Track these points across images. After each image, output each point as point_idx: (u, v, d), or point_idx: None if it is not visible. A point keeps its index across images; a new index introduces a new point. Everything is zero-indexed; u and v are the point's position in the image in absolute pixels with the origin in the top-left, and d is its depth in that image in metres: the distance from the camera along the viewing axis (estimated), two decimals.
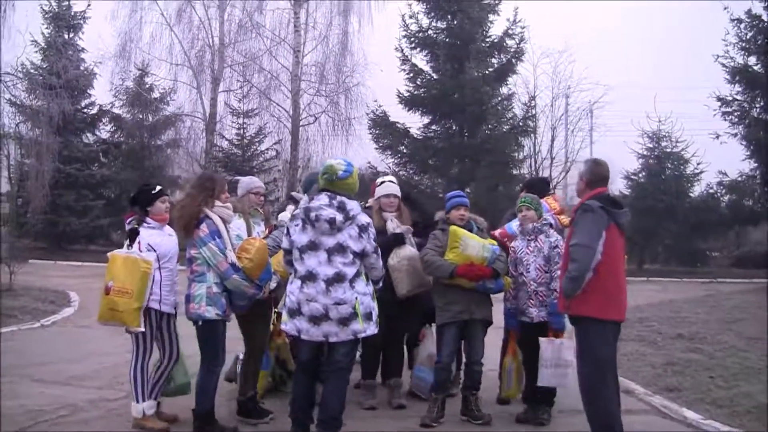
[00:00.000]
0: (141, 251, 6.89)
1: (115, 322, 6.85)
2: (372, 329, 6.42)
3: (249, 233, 7.43)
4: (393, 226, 8.00)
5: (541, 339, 7.48)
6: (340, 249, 6.31)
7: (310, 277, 6.29)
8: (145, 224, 7.10)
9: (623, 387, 8.86)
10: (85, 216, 31.08)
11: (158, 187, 7.42)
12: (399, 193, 8.42)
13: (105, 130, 34.93)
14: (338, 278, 6.25)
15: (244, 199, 7.81)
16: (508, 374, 8.20)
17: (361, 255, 6.38)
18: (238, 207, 7.45)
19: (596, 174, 6.64)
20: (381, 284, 6.85)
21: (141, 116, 34.15)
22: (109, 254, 7.00)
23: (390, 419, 7.64)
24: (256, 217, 7.88)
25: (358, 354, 7.36)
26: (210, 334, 6.84)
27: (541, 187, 9.32)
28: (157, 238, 7.10)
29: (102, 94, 34.40)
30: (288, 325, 6.42)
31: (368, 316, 6.36)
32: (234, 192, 7.96)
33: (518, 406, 7.94)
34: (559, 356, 7.35)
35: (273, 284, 7.28)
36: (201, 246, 6.72)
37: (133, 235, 6.98)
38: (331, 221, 6.27)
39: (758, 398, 8.17)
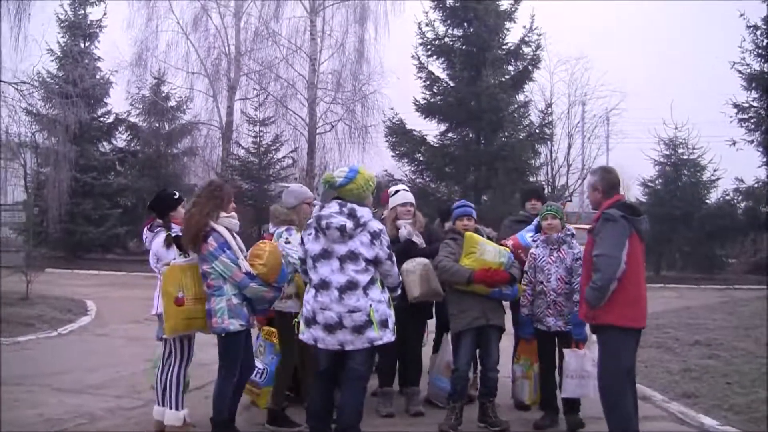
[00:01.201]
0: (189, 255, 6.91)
1: (192, 330, 6.94)
2: (389, 336, 6.36)
3: None
4: (407, 232, 8.02)
5: (566, 351, 7.58)
6: (352, 256, 6.27)
7: (323, 285, 6.28)
8: (174, 227, 7.18)
9: (640, 393, 8.84)
10: (101, 225, 31.13)
11: (178, 194, 7.57)
12: (413, 201, 8.45)
13: (121, 139, 35.05)
14: (351, 286, 6.22)
15: (299, 210, 7.63)
16: (523, 382, 8.32)
17: (374, 262, 6.34)
18: (295, 220, 7.44)
19: (609, 182, 6.67)
20: (399, 291, 6.87)
21: (157, 125, 34.28)
22: (165, 267, 7.01)
23: (407, 426, 7.65)
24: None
25: (376, 361, 7.38)
26: (232, 345, 6.82)
27: (543, 194, 9.43)
28: None
29: (118, 102, 34.59)
30: (305, 334, 6.41)
31: (384, 324, 6.30)
32: (278, 198, 7.81)
33: (536, 413, 7.95)
34: (582, 367, 7.40)
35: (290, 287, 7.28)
36: (212, 261, 6.66)
37: (179, 242, 6.97)
38: (342, 228, 6.24)
39: None
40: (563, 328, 7.63)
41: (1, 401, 8.00)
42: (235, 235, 6.94)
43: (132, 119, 34.62)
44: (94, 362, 10.74)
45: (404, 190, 8.63)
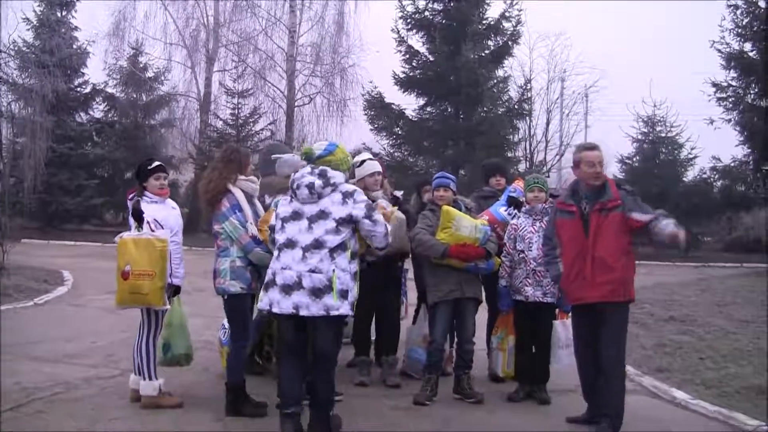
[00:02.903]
0: (153, 230, 6.84)
1: (137, 304, 6.87)
2: (346, 309, 6.04)
3: None
4: (385, 204, 7.98)
5: (555, 322, 7.70)
6: (322, 215, 6.06)
7: (288, 244, 6.07)
8: (146, 198, 7.07)
9: None
10: (78, 195, 31.05)
11: (155, 163, 7.32)
12: (380, 169, 8.27)
13: (98, 110, 34.98)
14: (317, 245, 5.99)
15: (288, 181, 7.35)
16: (497, 353, 8.34)
17: (347, 222, 6.08)
18: (284, 189, 7.18)
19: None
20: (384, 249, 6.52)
21: (135, 96, 34.28)
22: (117, 239, 6.91)
23: (383, 397, 7.67)
24: None
25: (349, 334, 7.37)
26: (235, 308, 6.86)
27: (506, 169, 9.47)
28: (162, 212, 7.08)
29: (95, 73, 34.46)
30: (263, 300, 6.18)
31: (344, 294, 6.00)
32: (271, 168, 7.68)
33: (511, 385, 7.98)
34: (567, 336, 7.51)
35: None
36: (223, 221, 6.72)
37: (138, 215, 6.88)
38: (310, 186, 6.07)
39: (747, 379, 8.24)
40: (541, 299, 7.66)
41: None
42: (255, 200, 7.00)
43: (109, 90, 34.60)
44: (71, 332, 10.71)
45: (369, 159, 8.44)
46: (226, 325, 7.83)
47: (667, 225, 6.27)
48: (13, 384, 7.64)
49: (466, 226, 7.54)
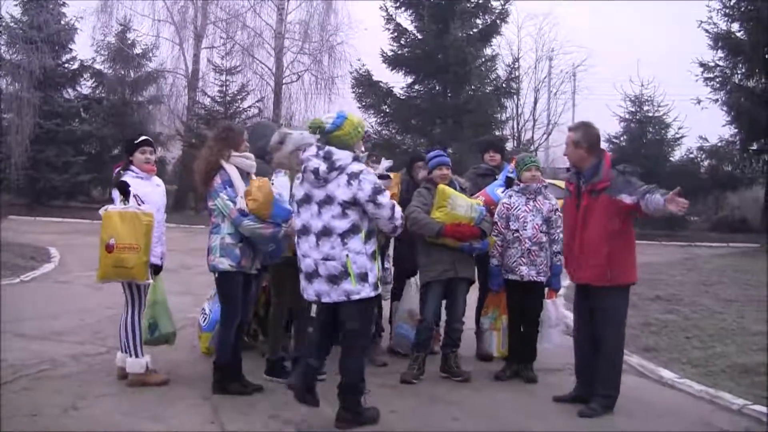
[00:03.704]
0: (139, 204, 6.83)
1: (120, 278, 6.84)
2: (367, 291, 6.01)
3: (291, 194, 7.01)
4: (383, 168, 7.93)
5: (547, 301, 7.75)
6: (328, 200, 5.99)
7: (304, 230, 6.08)
8: (131, 172, 7.04)
9: None
10: (65, 172, 30.81)
11: (142, 137, 7.33)
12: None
13: (86, 86, 34.65)
14: (326, 232, 5.96)
15: (292, 156, 7.07)
16: (491, 333, 8.20)
17: (353, 204, 5.96)
18: (285, 164, 7.04)
19: (596, 137, 6.87)
20: (398, 230, 6.38)
21: (123, 72, 34.10)
22: (102, 212, 6.85)
23: (370, 375, 7.59)
24: None
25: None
26: (225, 286, 6.83)
27: (500, 145, 9.53)
28: (146, 188, 7.06)
29: (83, 49, 34.21)
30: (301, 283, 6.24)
31: (363, 277, 5.98)
32: (280, 146, 7.67)
33: (498, 364, 8.03)
34: (557, 316, 7.62)
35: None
36: (215, 197, 6.69)
37: (123, 188, 6.84)
38: (315, 171, 5.98)
39: (732, 358, 8.30)
40: (535, 278, 7.65)
41: None
42: (252, 175, 6.94)
43: (97, 66, 34.35)
44: (57, 309, 10.69)
45: None
46: (207, 309, 7.88)
47: (657, 199, 6.20)
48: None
49: (461, 205, 7.48)
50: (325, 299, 6.04)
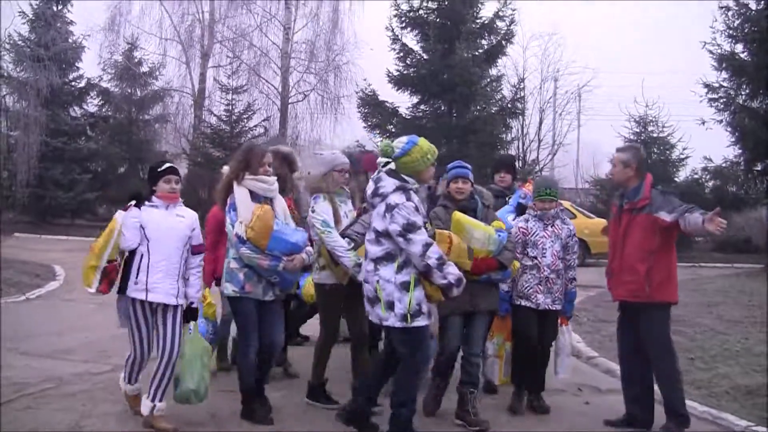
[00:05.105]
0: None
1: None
2: (392, 321, 5.97)
3: (336, 217, 7.02)
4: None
5: (562, 328, 7.67)
6: (369, 226, 6.19)
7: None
8: (147, 202, 6.46)
9: (605, 367, 9.02)
10: (71, 190, 30.77)
11: (166, 165, 6.66)
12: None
13: (93, 104, 34.60)
14: (367, 255, 6.15)
15: (328, 178, 7.15)
16: (494, 361, 7.95)
17: (386, 235, 5.97)
18: (322, 187, 7.07)
19: (644, 158, 7.09)
20: (436, 277, 5.99)
21: (129, 90, 34.11)
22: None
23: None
24: (341, 196, 7.29)
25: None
26: (236, 309, 6.75)
27: (513, 166, 9.17)
28: (153, 215, 6.40)
29: (90, 67, 34.20)
30: None
31: (390, 305, 5.96)
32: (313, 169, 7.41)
33: (504, 395, 7.79)
34: (571, 344, 7.60)
35: (306, 257, 6.72)
36: (227, 222, 6.59)
37: (136, 199, 6.46)
38: (368, 196, 6.17)
39: (736, 380, 8.33)
40: (550, 307, 7.40)
41: None
42: (272, 201, 6.75)
43: (104, 84, 34.31)
44: (62, 327, 10.74)
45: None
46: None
47: (696, 218, 6.34)
48: (2, 379, 7.65)
49: (478, 238, 6.88)
50: (371, 317, 6.25)
